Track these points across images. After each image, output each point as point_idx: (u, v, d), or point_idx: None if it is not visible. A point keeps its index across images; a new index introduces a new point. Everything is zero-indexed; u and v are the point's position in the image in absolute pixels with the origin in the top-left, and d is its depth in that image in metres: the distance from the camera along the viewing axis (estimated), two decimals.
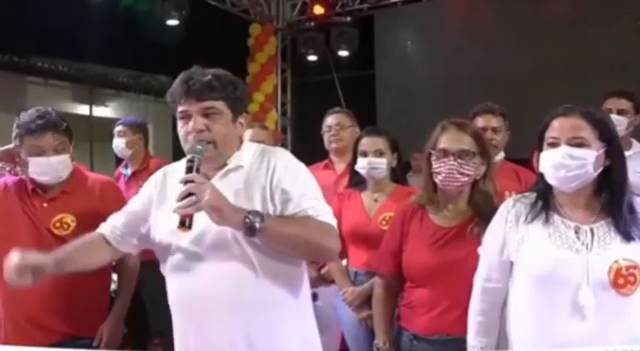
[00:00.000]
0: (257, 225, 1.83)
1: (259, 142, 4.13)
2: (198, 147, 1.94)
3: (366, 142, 3.18)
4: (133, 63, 9.66)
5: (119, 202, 2.83)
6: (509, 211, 2.00)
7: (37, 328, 2.55)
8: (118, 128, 4.65)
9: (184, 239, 1.98)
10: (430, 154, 2.46)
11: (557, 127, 1.93)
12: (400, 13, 8.84)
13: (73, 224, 2.63)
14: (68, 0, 7.68)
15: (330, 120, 3.91)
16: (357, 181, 3.31)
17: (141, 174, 4.44)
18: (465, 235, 2.38)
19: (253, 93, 9.05)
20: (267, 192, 1.97)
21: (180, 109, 2.01)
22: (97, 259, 2.21)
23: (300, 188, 1.98)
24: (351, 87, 9.42)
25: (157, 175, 2.18)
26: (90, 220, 2.64)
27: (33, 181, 2.69)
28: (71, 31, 8.38)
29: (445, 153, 2.40)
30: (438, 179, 2.42)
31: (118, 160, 5.09)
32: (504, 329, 2.03)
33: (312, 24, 9.28)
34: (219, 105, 1.99)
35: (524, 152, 4.28)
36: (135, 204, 2.18)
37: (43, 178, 2.64)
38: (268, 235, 1.88)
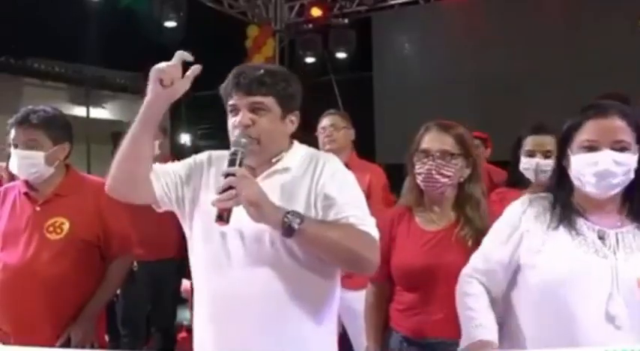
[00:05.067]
0: (295, 225, 1.77)
1: None
2: (243, 140, 1.91)
3: (532, 141, 3.03)
4: (130, 64, 9.63)
5: (115, 206, 2.82)
6: (526, 211, 1.88)
7: (29, 333, 2.53)
8: None
9: (220, 234, 1.94)
10: (413, 155, 2.44)
11: (596, 128, 1.75)
12: (398, 15, 8.85)
13: (67, 228, 2.61)
14: (65, 1, 7.67)
15: (324, 121, 3.90)
16: (515, 180, 3.17)
17: None
18: (451, 238, 2.36)
19: None
20: (312, 196, 1.92)
21: (229, 102, 1.99)
22: (142, 169, 2.03)
23: (344, 196, 1.93)
24: (349, 89, 9.42)
25: (203, 156, 2.12)
26: (84, 224, 2.64)
27: (26, 185, 2.68)
28: (68, 32, 8.37)
29: (426, 153, 2.39)
30: (419, 180, 2.40)
31: None
32: (510, 333, 1.93)
33: (310, 26, 9.28)
34: (268, 101, 1.95)
35: None
36: (179, 169, 2.10)
37: (16, 172, 2.66)
38: (306, 238, 1.81)
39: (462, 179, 2.41)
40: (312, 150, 2.11)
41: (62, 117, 2.76)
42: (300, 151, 2.06)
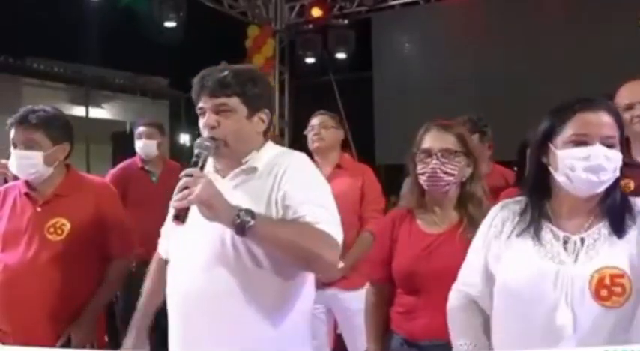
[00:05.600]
0: (247, 224, 1.79)
1: None
2: (206, 143, 1.95)
3: None
4: (129, 64, 9.65)
5: (115, 206, 2.82)
6: (497, 216, 1.85)
7: (29, 333, 2.52)
8: (147, 129, 4.48)
9: (184, 234, 2.00)
10: (414, 156, 2.43)
11: (585, 122, 1.66)
12: (397, 15, 8.84)
13: (68, 229, 2.60)
14: (64, 1, 7.67)
15: (313, 121, 3.90)
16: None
17: (169, 177, 4.43)
18: (454, 240, 2.34)
19: None
20: (273, 196, 1.94)
21: (198, 105, 2.03)
22: None
23: (304, 194, 1.94)
24: (349, 89, 9.43)
25: None
26: (84, 225, 2.64)
27: (26, 185, 2.67)
28: (67, 32, 8.37)
29: (428, 153, 2.37)
30: (422, 180, 2.39)
31: (115, 162, 5.06)
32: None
33: (310, 26, 9.27)
34: (233, 102, 1.98)
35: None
36: None
37: (15, 172, 2.65)
38: (259, 236, 1.83)
39: (464, 178, 2.40)
40: (283, 150, 2.13)
41: (62, 117, 2.74)
42: (270, 150, 2.08)
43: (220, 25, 9.09)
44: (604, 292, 1.61)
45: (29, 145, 2.58)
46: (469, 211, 2.37)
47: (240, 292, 1.92)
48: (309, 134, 3.86)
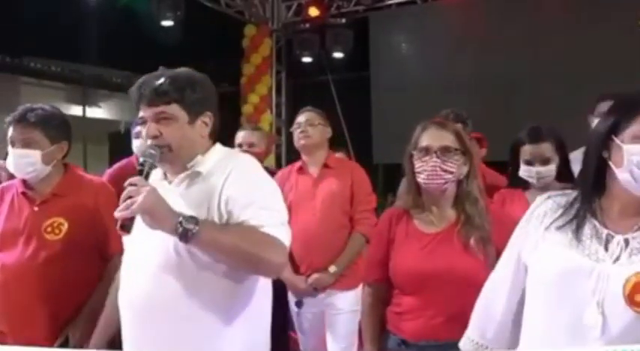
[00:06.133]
0: (190, 231, 1.80)
1: (250, 144, 4.16)
2: (150, 151, 1.95)
3: (530, 151, 3.01)
4: (127, 64, 9.62)
5: (113, 205, 2.81)
6: (540, 206, 1.74)
7: (27, 333, 2.51)
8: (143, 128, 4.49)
9: (132, 242, 2.04)
10: (412, 155, 2.41)
11: None
12: (395, 15, 8.85)
13: (65, 228, 2.59)
14: (62, 0, 7.66)
15: (299, 118, 3.82)
16: (517, 183, 3.15)
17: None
18: (451, 239, 2.33)
19: (248, 94, 9.04)
20: (218, 200, 1.93)
21: (139, 114, 2.03)
22: None
23: (248, 197, 1.93)
24: (346, 88, 9.42)
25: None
26: (82, 224, 2.63)
27: (23, 184, 2.67)
28: (65, 31, 8.35)
29: (427, 151, 2.36)
30: (420, 178, 2.37)
31: (111, 161, 5.05)
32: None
33: (307, 25, 9.27)
34: (172, 109, 1.97)
35: None
36: None
37: (12, 171, 2.65)
38: (203, 242, 1.84)
39: (460, 177, 2.39)
40: (230, 152, 2.14)
41: (60, 116, 2.74)
42: (215, 154, 2.07)
43: (217, 25, 9.09)
44: (639, 298, 1.50)
45: (27, 144, 2.57)
46: (466, 210, 2.36)
47: (190, 297, 1.93)
48: (295, 131, 3.80)
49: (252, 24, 9.12)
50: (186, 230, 1.79)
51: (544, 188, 2.99)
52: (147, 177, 1.92)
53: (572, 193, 1.70)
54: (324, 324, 3.64)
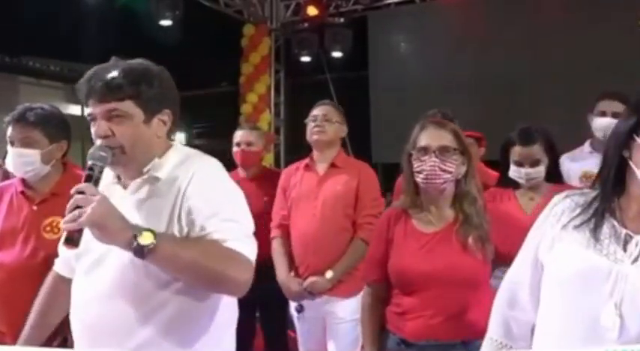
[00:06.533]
0: (147, 246, 1.61)
1: (248, 143, 4.14)
2: (100, 153, 1.76)
3: (520, 152, 3.01)
4: None
5: None
6: (557, 204, 1.70)
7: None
8: None
9: (83, 259, 1.86)
10: (410, 155, 2.41)
11: None
12: (394, 14, 8.84)
13: None
14: (61, 0, 7.66)
15: (316, 110, 3.60)
16: (507, 182, 3.14)
17: None
18: (450, 239, 2.34)
19: (247, 94, 9.03)
20: (176, 210, 1.76)
21: (87, 111, 1.82)
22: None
23: (211, 208, 1.75)
24: (345, 88, 9.41)
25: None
26: None
27: (22, 183, 2.67)
28: (64, 31, 8.35)
29: (426, 150, 2.36)
30: (419, 178, 2.37)
31: None
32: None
33: (306, 25, 9.26)
34: (126, 106, 1.78)
35: None
36: None
37: (11, 170, 2.65)
38: (161, 259, 1.65)
39: (459, 176, 2.39)
40: (188, 153, 1.92)
41: (60, 115, 2.74)
42: (174, 156, 1.88)
43: (216, 24, 9.09)
44: None
45: (26, 143, 2.58)
46: (464, 209, 2.36)
47: (147, 320, 1.76)
48: (310, 124, 3.57)
49: (250, 23, 9.11)
50: (141, 246, 1.61)
51: (533, 188, 3.06)
52: (97, 183, 1.73)
53: (591, 193, 1.67)
54: (324, 330, 3.55)
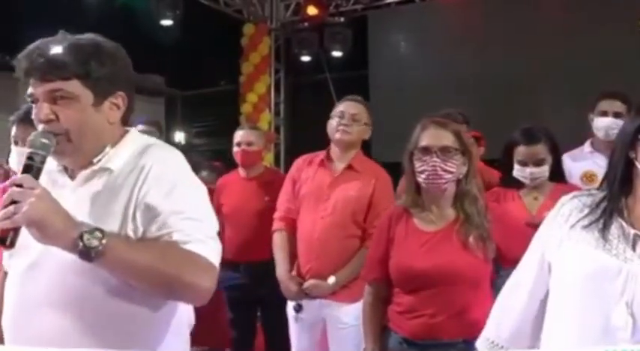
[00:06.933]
0: (95, 248, 1.41)
1: (249, 143, 4.14)
2: (42, 140, 1.53)
3: (524, 152, 3.00)
4: None
5: None
6: (564, 205, 1.69)
7: None
8: (145, 128, 4.40)
9: (14, 262, 1.64)
10: (412, 154, 2.41)
11: None
12: (394, 13, 8.84)
13: None
14: None
15: (347, 106, 3.36)
16: (510, 181, 3.12)
17: None
18: (451, 238, 2.35)
19: (247, 93, 9.04)
20: (131, 207, 1.56)
21: (28, 91, 1.60)
22: None
23: (171, 204, 1.55)
24: (345, 87, 9.35)
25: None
26: None
27: None
28: (64, 30, 8.35)
29: (427, 150, 2.36)
30: (421, 178, 2.37)
31: None
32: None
33: (306, 24, 9.27)
34: (72, 86, 1.56)
35: None
36: None
37: (15, 169, 2.63)
38: (111, 262, 1.45)
39: (460, 176, 2.39)
40: (147, 143, 1.70)
41: None
42: (130, 145, 1.66)
43: (216, 24, 9.09)
44: None
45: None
46: (465, 209, 2.37)
47: (95, 332, 1.55)
48: (335, 120, 3.33)
49: (250, 23, 9.12)
50: (88, 247, 1.41)
51: (537, 187, 3.05)
52: (37, 175, 1.50)
53: (599, 193, 1.67)
54: (321, 332, 3.42)
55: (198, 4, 8.31)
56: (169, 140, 11.12)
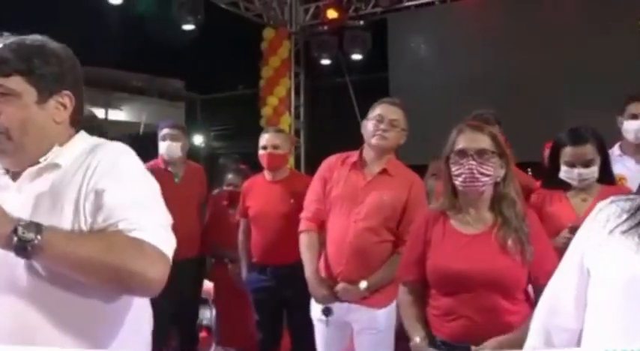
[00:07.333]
0: (30, 242, 1.34)
1: (275, 146, 4.16)
2: None
3: (571, 153, 2.95)
4: (147, 67, 9.74)
5: None
6: (602, 210, 1.68)
7: None
8: (171, 131, 4.46)
9: None
10: (448, 158, 2.40)
11: None
12: (413, 16, 8.86)
13: None
14: (83, 4, 7.76)
15: (383, 110, 3.25)
16: (556, 183, 3.06)
17: (190, 177, 4.49)
18: (489, 241, 2.32)
19: (267, 97, 9.09)
20: (81, 199, 1.50)
21: None
22: None
23: (119, 194, 1.49)
24: (364, 90, 9.44)
25: None
26: None
27: None
28: (87, 35, 8.46)
29: (464, 154, 2.34)
30: (458, 181, 2.35)
31: None
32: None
33: (325, 28, 9.30)
34: (13, 82, 1.52)
35: (536, 154, 4.28)
36: None
37: None
38: (50, 256, 1.38)
39: (498, 179, 2.38)
40: (97, 142, 1.64)
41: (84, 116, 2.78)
42: (79, 144, 1.62)
43: (236, 28, 9.15)
44: None
45: None
46: (503, 212, 2.34)
47: (42, 328, 1.49)
48: (372, 124, 3.22)
49: (270, 27, 9.16)
50: (24, 241, 1.34)
51: (585, 189, 3.00)
52: None
53: (637, 198, 1.65)
54: (349, 337, 3.33)
55: (218, 9, 8.38)
56: (189, 143, 11.22)
